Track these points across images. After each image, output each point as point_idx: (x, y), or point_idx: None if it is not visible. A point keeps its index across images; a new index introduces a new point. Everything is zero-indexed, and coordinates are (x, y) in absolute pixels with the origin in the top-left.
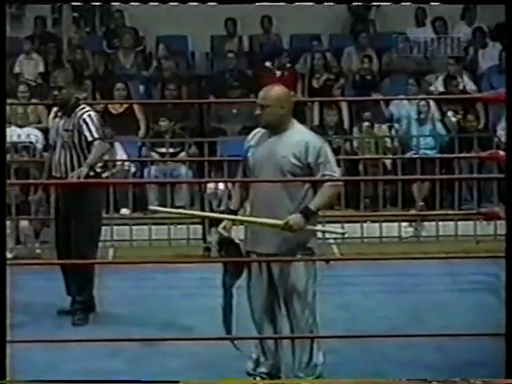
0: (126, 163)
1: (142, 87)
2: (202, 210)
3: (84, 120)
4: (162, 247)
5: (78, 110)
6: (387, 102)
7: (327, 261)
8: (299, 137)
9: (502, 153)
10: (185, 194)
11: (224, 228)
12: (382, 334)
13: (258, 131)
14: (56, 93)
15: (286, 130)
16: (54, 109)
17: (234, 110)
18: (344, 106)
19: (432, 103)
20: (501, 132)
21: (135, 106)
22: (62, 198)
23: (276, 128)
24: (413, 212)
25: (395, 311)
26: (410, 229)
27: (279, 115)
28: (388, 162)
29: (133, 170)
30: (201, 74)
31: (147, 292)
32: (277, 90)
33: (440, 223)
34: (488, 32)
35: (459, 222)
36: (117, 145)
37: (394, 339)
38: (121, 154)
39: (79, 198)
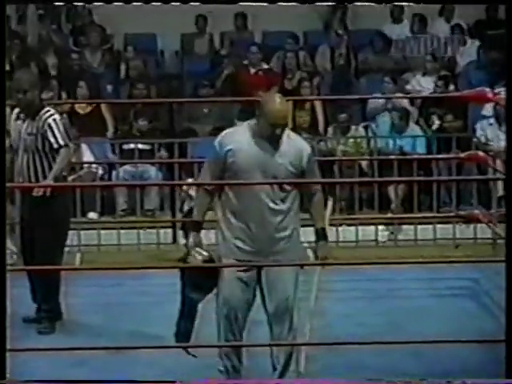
0: (93, 165)
1: (109, 86)
2: (173, 213)
3: (49, 125)
4: (132, 252)
5: (42, 113)
6: (364, 102)
7: (302, 266)
8: (294, 144)
9: (481, 153)
10: (155, 197)
11: (197, 247)
12: (359, 341)
13: (233, 133)
14: (20, 96)
15: (281, 137)
16: (16, 110)
17: (205, 110)
18: (318, 107)
19: (407, 103)
20: (480, 132)
21: (102, 106)
22: (27, 203)
23: (276, 137)
24: (390, 215)
25: (371, 318)
26: (387, 232)
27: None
28: (364, 164)
29: (100, 172)
30: (170, 73)
31: (116, 299)
32: (287, 104)
33: (418, 226)
34: (467, 29)
35: (438, 226)
36: (83, 146)
37: (370, 346)
38: (88, 155)
39: (45, 203)
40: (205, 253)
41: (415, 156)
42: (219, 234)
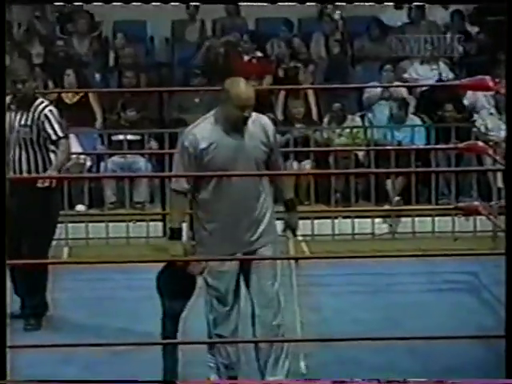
0: (81, 156)
1: (98, 75)
2: (163, 206)
3: (46, 116)
4: (120, 245)
5: (36, 104)
6: (360, 91)
7: (297, 260)
8: (259, 123)
9: (481, 144)
10: (144, 189)
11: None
12: (355, 337)
13: (201, 130)
14: (18, 86)
15: (248, 119)
16: (7, 101)
17: (197, 100)
18: (311, 96)
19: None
20: (480, 122)
21: (91, 95)
22: (16, 196)
23: (244, 120)
24: (387, 207)
25: (368, 313)
26: (384, 225)
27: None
28: (361, 155)
29: (88, 163)
30: (161, 61)
31: (105, 294)
32: (251, 86)
33: (416, 219)
34: (466, 16)
35: (436, 218)
36: (71, 137)
37: (367, 343)
38: (76, 146)
39: (37, 196)
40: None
41: (413, 146)
42: (202, 231)
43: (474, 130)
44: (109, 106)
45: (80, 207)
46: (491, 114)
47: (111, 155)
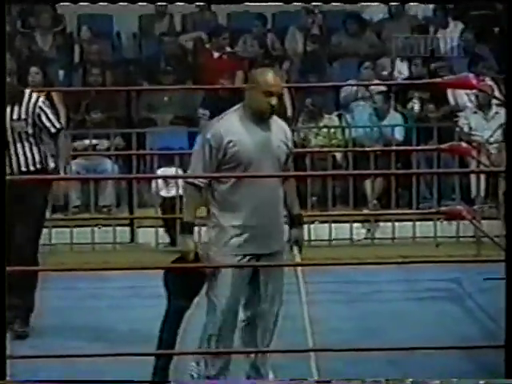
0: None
1: (61, 72)
2: (130, 210)
3: (41, 108)
4: (86, 252)
5: (27, 96)
6: (337, 90)
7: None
8: (279, 123)
9: (464, 145)
10: (110, 192)
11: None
12: (331, 347)
13: (226, 123)
14: (8, 79)
15: (274, 110)
16: None
17: (166, 98)
18: (286, 94)
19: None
20: (463, 122)
21: (54, 94)
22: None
23: (269, 117)
24: (366, 211)
25: (346, 322)
26: (363, 230)
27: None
28: (338, 156)
29: (52, 165)
30: (128, 58)
31: (70, 303)
32: (279, 76)
33: (396, 224)
34: (449, 10)
35: (417, 223)
36: None
37: (344, 354)
38: None
39: (28, 195)
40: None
41: (393, 148)
42: (216, 230)
43: (457, 129)
44: (73, 105)
45: None
46: (475, 112)
47: (74, 157)
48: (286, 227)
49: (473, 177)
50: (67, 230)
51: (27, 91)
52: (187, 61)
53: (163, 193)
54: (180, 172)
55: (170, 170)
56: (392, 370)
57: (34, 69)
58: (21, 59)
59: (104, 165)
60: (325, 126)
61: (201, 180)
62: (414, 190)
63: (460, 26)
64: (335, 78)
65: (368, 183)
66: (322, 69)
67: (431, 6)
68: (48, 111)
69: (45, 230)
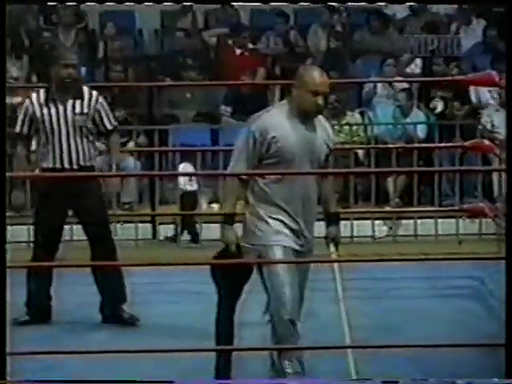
0: None
1: (83, 68)
2: (153, 206)
3: (102, 104)
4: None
5: (87, 91)
6: (359, 87)
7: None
8: (323, 123)
9: (486, 142)
10: (133, 188)
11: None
12: (353, 345)
13: (271, 118)
14: (71, 71)
15: (322, 110)
16: (40, 93)
17: (188, 95)
18: None
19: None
20: (486, 119)
21: None
22: (72, 191)
23: (314, 116)
24: (388, 209)
25: (368, 320)
26: (385, 227)
27: None
28: (360, 153)
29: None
30: (150, 54)
31: (89, 299)
32: (325, 75)
33: (418, 221)
34: (472, 7)
35: (439, 220)
36: None
37: (365, 351)
38: None
39: (96, 192)
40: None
41: (416, 145)
42: (258, 223)
43: (480, 127)
44: None
45: None
46: (497, 110)
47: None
48: (318, 224)
49: (495, 174)
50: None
51: (85, 87)
52: (209, 57)
53: (188, 187)
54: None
55: (190, 166)
56: (413, 368)
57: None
58: (43, 56)
59: (126, 162)
60: (347, 124)
61: (242, 171)
62: (436, 188)
63: (483, 23)
64: (357, 75)
65: (390, 181)
66: (344, 66)
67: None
68: (107, 108)
69: (67, 226)
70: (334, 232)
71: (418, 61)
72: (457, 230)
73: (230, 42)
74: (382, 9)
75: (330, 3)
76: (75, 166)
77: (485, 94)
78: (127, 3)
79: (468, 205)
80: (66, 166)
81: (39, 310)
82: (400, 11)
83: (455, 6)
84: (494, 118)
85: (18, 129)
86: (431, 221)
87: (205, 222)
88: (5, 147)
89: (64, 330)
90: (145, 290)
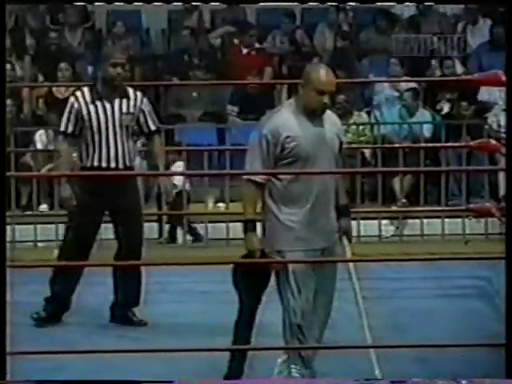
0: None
1: (90, 68)
2: (159, 206)
3: (146, 104)
4: (113, 247)
5: (131, 91)
6: (366, 86)
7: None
8: (333, 117)
9: (494, 142)
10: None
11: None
12: (360, 344)
13: (281, 118)
14: (120, 70)
15: (327, 107)
16: (85, 91)
17: (195, 94)
18: None
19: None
20: (492, 119)
21: None
22: (113, 190)
23: (321, 114)
24: (394, 208)
25: (374, 319)
26: (391, 227)
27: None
28: (367, 153)
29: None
30: (157, 53)
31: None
32: (332, 73)
33: (425, 221)
34: (479, 7)
35: (446, 220)
36: None
37: (373, 351)
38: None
39: (134, 191)
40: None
41: (422, 145)
42: (277, 225)
43: (486, 127)
44: None
45: None
46: (504, 110)
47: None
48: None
49: (501, 174)
50: None
51: (129, 88)
52: (216, 57)
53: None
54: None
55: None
56: (420, 367)
57: (63, 65)
58: (50, 55)
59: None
60: (354, 123)
61: (260, 176)
62: (442, 187)
63: (489, 22)
64: (364, 74)
65: (397, 180)
66: (350, 65)
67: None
68: (150, 109)
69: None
70: (345, 225)
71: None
72: (463, 230)
73: (236, 41)
74: (388, 8)
75: (336, 3)
76: (121, 166)
77: (495, 93)
78: (135, 3)
79: (474, 204)
80: (113, 165)
81: (59, 310)
82: (407, 11)
83: (461, 5)
84: (500, 118)
85: (63, 127)
86: (438, 220)
87: (210, 222)
88: (5, 147)
89: (70, 329)
90: (151, 289)
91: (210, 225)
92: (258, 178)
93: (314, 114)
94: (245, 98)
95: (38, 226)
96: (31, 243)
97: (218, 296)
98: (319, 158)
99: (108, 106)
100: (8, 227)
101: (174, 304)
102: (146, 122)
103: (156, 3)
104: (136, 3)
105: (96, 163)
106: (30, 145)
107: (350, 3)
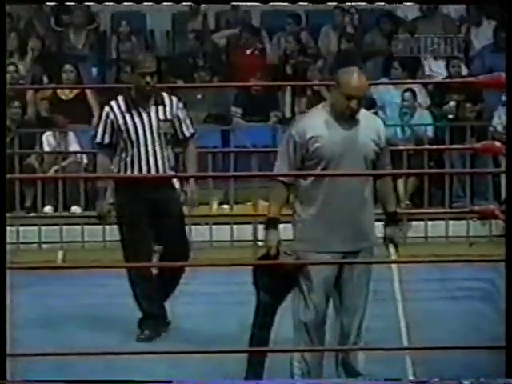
0: (78, 155)
1: (94, 69)
2: None
3: (181, 109)
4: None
5: (167, 98)
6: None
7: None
8: (372, 121)
9: (498, 144)
10: None
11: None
12: (364, 347)
13: (309, 119)
14: (149, 79)
15: (358, 112)
16: (120, 100)
17: (199, 96)
18: (324, 93)
19: (419, 90)
20: (497, 121)
21: (88, 91)
22: (155, 197)
23: (353, 112)
24: (398, 210)
25: (377, 321)
26: None
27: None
28: None
29: (85, 161)
30: (161, 55)
31: (102, 300)
32: (364, 77)
33: (429, 223)
34: (483, 8)
35: (450, 222)
36: (71, 134)
37: (374, 353)
38: (75, 145)
39: (173, 195)
40: (289, 251)
41: (426, 147)
42: (299, 226)
43: (491, 128)
44: (106, 102)
45: (75, 208)
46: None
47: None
48: (377, 224)
49: (504, 176)
50: (100, 227)
51: (164, 93)
52: (220, 59)
53: None
54: None
55: None
56: (422, 370)
57: (68, 66)
58: (54, 57)
59: None
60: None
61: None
62: (446, 189)
63: (493, 24)
64: (368, 76)
65: (400, 182)
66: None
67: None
68: (185, 114)
69: (77, 228)
70: (391, 233)
71: (431, 62)
72: (467, 232)
73: (240, 43)
74: (393, 10)
75: (340, 4)
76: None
77: (498, 95)
78: (142, 3)
79: (479, 207)
80: (152, 174)
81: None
82: (411, 13)
83: (465, 7)
84: (504, 120)
85: (99, 138)
86: (442, 222)
87: (215, 224)
88: (5, 147)
89: (80, 330)
90: None
91: (214, 227)
92: (284, 178)
93: (343, 117)
94: (249, 100)
95: (43, 228)
96: (35, 245)
97: (222, 298)
98: (345, 160)
99: (144, 114)
100: (12, 229)
101: (177, 306)
102: (181, 127)
103: (165, 3)
104: (146, 3)
105: (136, 173)
106: (34, 146)
107: (354, 4)
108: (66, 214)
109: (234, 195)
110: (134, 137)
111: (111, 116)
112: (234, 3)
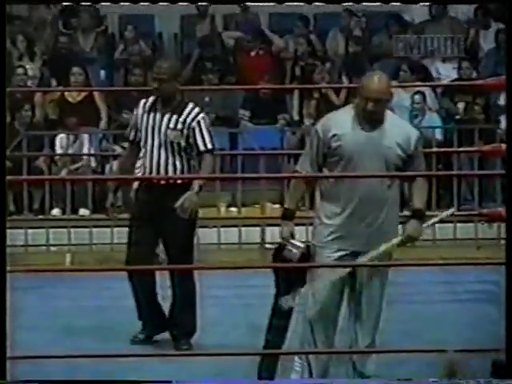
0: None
1: (102, 72)
2: None
3: (198, 123)
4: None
5: (189, 108)
6: None
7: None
8: (399, 126)
9: (505, 146)
10: None
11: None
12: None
13: (335, 117)
14: (156, 85)
15: (384, 119)
16: (149, 101)
17: (207, 99)
18: (332, 95)
19: (428, 93)
20: (504, 122)
21: (96, 94)
22: (162, 197)
23: (379, 119)
24: (405, 213)
25: (385, 324)
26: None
27: (386, 106)
28: None
29: (93, 164)
30: (169, 58)
31: (107, 303)
32: (387, 82)
33: (437, 225)
34: (491, 11)
35: (458, 225)
36: (84, 136)
37: (383, 356)
38: (87, 147)
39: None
40: (300, 244)
41: (434, 149)
42: (316, 221)
43: (499, 131)
44: (115, 105)
45: (83, 211)
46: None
47: (115, 157)
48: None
49: None
50: (108, 230)
51: (191, 104)
52: (228, 61)
53: None
54: None
55: None
56: (431, 372)
57: (76, 69)
58: (62, 59)
59: None
60: None
61: (307, 169)
62: (454, 192)
63: (502, 26)
64: None
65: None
66: (362, 70)
67: (472, 7)
68: (204, 128)
69: (85, 230)
70: (409, 228)
71: (439, 65)
72: (475, 235)
73: (248, 45)
74: (400, 13)
75: (349, 7)
76: (162, 181)
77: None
78: (143, 3)
79: (487, 209)
80: (154, 180)
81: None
82: (418, 15)
83: (473, 10)
84: None
85: (126, 133)
86: (450, 225)
87: (223, 226)
88: (5, 147)
89: (83, 333)
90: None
91: (222, 229)
92: (303, 170)
93: (365, 119)
94: (257, 103)
95: (51, 230)
96: (44, 247)
97: (227, 301)
98: (365, 162)
99: (158, 118)
100: (21, 231)
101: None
102: (195, 140)
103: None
104: (161, 3)
105: (141, 174)
106: (42, 149)
107: (365, 3)
108: (74, 216)
109: (241, 198)
110: (143, 138)
111: (136, 114)
112: (244, 3)
